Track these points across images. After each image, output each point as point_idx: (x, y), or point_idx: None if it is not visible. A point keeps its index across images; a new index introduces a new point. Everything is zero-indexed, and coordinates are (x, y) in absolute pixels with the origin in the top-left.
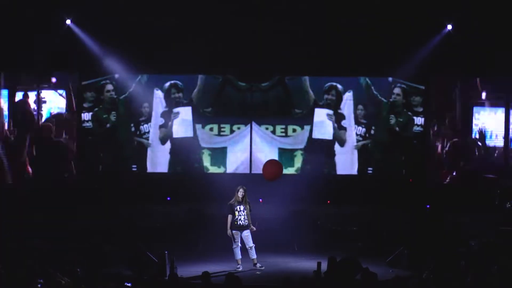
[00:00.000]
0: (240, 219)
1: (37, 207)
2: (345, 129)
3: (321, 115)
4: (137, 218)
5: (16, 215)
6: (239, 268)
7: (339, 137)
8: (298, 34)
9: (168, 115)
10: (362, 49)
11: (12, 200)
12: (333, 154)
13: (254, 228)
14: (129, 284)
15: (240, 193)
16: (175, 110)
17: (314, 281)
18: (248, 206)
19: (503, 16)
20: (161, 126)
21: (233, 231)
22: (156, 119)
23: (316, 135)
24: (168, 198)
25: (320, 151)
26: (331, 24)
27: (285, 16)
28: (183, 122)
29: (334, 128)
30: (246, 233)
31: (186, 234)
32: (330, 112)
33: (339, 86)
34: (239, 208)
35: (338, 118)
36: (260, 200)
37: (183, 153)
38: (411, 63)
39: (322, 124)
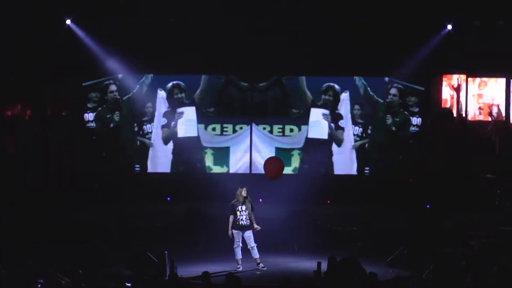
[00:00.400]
0: (241, 219)
1: (37, 207)
2: (342, 129)
3: (317, 114)
4: (138, 218)
5: (16, 214)
6: (239, 268)
7: (336, 137)
8: (298, 34)
9: (171, 115)
10: (360, 49)
11: (12, 200)
12: (331, 154)
13: (259, 227)
14: (129, 284)
15: (244, 193)
16: (179, 110)
17: (314, 281)
18: (250, 206)
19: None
20: (163, 126)
21: (235, 231)
22: (159, 119)
23: (312, 134)
24: (168, 198)
25: (318, 151)
26: (329, 24)
27: (285, 16)
28: (187, 122)
29: (330, 128)
30: (248, 234)
31: (186, 234)
32: (326, 112)
33: (336, 87)
34: (241, 208)
35: (335, 118)
36: (260, 200)
37: (186, 153)
38: (410, 64)
39: (318, 123)
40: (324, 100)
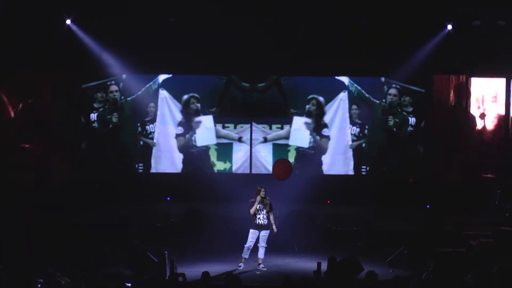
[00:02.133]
0: (259, 218)
1: (37, 207)
2: (327, 137)
3: (298, 123)
4: (138, 218)
5: (17, 215)
6: (240, 266)
7: (320, 146)
8: (297, 34)
9: (187, 125)
10: (360, 50)
11: (13, 200)
12: (329, 154)
13: (275, 230)
14: (129, 284)
15: (262, 193)
16: (197, 119)
17: (314, 281)
18: (268, 205)
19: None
20: (178, 135)
21: (252, 230)
22: (162, 118)
23: (293, 142)
24: (168, 198)
25: (316, 151)
26: (329, 24)
27: (284, 16)
28: (206, 131)
29: (313, 137)
30: (264, 233)
31: (186, 234)
32: (309, 120)
33: (320, 98)
34: (259, 207)
35: (319, 127)
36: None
37: (196, 157)
38: (409, 64)
39: (299, 132)
40: (308, 109)
